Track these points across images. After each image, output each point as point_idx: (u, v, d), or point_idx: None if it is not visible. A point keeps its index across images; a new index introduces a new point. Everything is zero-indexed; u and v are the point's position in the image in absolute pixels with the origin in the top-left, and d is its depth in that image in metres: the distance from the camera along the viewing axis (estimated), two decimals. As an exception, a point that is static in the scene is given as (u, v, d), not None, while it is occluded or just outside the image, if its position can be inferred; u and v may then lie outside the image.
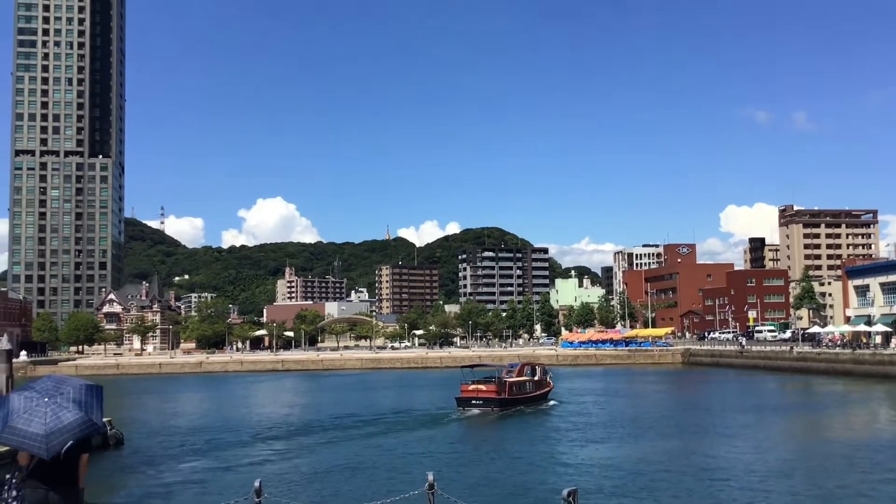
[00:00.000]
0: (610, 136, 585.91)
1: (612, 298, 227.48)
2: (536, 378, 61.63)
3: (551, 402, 60.61)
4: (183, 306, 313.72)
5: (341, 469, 33.92)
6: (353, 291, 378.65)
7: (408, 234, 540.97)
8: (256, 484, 11.35)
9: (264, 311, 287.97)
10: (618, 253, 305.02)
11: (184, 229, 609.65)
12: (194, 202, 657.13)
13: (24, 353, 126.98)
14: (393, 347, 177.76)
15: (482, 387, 57.18)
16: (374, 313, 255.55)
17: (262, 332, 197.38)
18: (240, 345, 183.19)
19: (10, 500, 8.46)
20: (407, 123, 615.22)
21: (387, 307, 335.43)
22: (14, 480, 8.54)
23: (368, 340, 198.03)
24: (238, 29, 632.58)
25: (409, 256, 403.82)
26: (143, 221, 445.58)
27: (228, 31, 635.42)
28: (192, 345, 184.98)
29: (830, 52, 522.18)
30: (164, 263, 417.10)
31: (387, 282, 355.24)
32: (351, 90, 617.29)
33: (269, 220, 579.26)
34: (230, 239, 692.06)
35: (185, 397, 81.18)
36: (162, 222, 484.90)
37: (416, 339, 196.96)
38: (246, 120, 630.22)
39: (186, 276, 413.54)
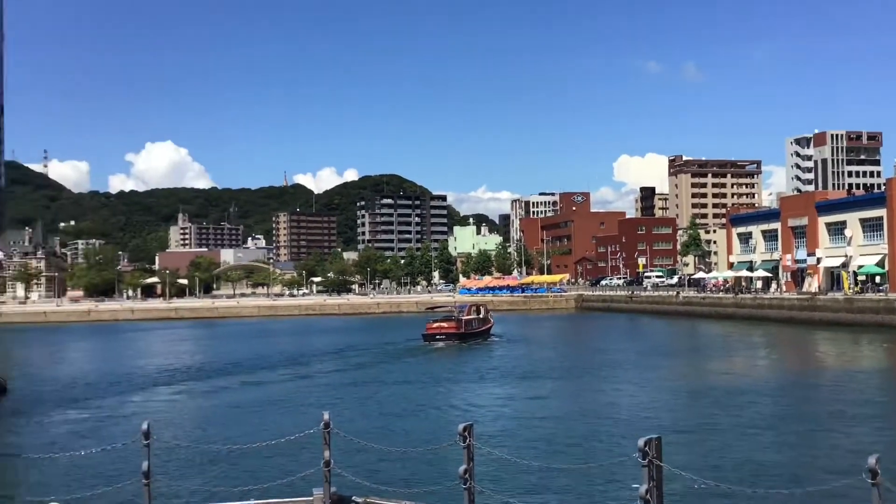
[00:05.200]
0: (506, 86, 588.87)
1: (509, 246, 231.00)
2: (482, 316, 71.18)
3: (493, 337, 69.56)
4: (69, 253, 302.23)
5: (244, 410, 33.64)
6: (249, 238, 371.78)
7: (305, 180, 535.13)
8: (144, 426, 11.11)
9: (156, 258, 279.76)
10: (515, 201, 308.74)
11: (67, 174, 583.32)
12: (78, 145, 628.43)
13: None
14: (291, 295, 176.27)
15: (444, 324, 65.05)
16: (271, 260, 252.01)
17: (155, 279, 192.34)
18: (131, 293, 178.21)
19: None
20: (304, 63, 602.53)
21: (284, 254, 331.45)
22: None
23: (265, 288, 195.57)
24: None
25: (306, 203, 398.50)
26: (26, 164, 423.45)
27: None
28: (80, 293, 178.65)
29: (720, 3, 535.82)
30: (48, 209, 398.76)
31: (284, 229, 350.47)
32: (241, 24, 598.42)
33: (159, 164, 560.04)
34: (118, 184, 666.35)
35: (72, 346, 78.66)
36: (45, 165, 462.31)
37: (315, 286, 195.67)
38: (131, 58, 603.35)
39: (73, 223, 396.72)
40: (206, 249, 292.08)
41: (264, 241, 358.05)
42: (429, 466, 21.70)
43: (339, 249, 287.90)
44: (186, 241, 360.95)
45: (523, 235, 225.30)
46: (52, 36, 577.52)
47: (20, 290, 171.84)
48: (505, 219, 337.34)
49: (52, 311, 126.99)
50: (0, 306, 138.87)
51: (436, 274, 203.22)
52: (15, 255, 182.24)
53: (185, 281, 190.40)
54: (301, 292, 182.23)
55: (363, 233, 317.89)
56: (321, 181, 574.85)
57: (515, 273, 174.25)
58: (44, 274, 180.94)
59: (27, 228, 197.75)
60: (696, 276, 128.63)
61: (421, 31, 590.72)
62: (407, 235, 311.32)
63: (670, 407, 32.89)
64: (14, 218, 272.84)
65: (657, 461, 8.87)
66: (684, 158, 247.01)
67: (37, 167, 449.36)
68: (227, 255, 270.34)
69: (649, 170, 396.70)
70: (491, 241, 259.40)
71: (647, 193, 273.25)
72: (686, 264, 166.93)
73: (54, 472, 22.30)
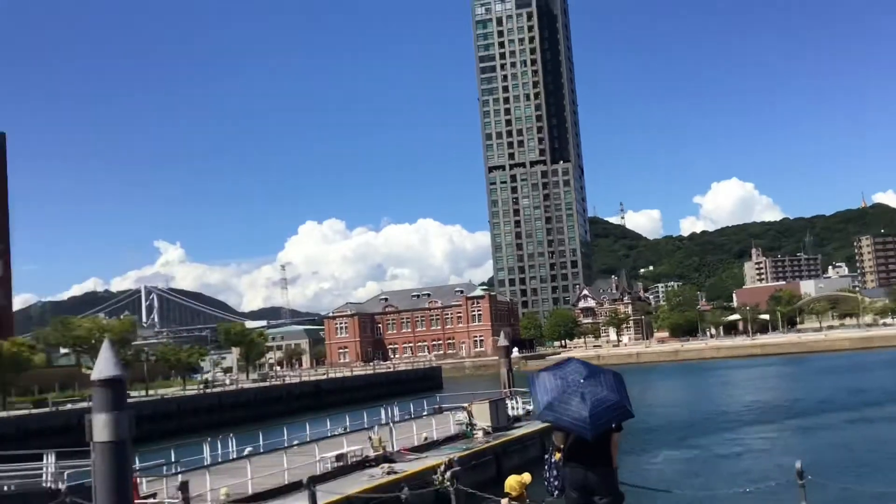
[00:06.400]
0: None
1: None
2: None
3: None
4: (651, 297, 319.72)
5: (854, 451, 31.50)
6: (829, 267, 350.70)
7: (886, 198, 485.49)
8: (798, 465, 10.82)
9: (733, 295, 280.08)
10: None
11: (642, 222, 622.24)
12: (649, 195, 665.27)
13: (515, 349, 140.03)
14: (885, 324, 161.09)
15: None
16: (857, 288, 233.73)
17: (736, 316, 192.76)
18: (713, 331, 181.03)
19: (552, 480, 8.40)
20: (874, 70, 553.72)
21: (871, 281, 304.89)
22: (553, 460, 8.51)
23: (854, 318, 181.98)
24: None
25: (892, 222, 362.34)
26: (605, 219, 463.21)
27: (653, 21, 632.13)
28: (665, 333, 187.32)
29: None
30: (627, 257, 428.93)
31: (868, 253, 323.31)
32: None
33: (725, 202, 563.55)
34: (688, 226, 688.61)
35: (663, 384, 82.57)
36: (622, 217, 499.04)
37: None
38: (691, 104, 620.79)
39: (651, 268, 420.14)
40: (783, 282, 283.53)
41: (846, 269, 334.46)
42: None
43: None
44: (762, 276, 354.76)
45: None
46: (614, 99, 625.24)
47: (612, 334, 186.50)
48: None
49: (642, 352, 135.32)
50: (597, 350, 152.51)
51: None
52: (605, 302, 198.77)
53: (765, 316, 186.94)
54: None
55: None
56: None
57: None
58: (631, 318, 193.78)
59: (613, 276, 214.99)
60: None
61: None
62: None
63: None
64: (600, 269, 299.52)
65: None
66: None
67: (615, 220, 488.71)
68: (808, 287, 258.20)
69: None
70: None
71: None
72: None
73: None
